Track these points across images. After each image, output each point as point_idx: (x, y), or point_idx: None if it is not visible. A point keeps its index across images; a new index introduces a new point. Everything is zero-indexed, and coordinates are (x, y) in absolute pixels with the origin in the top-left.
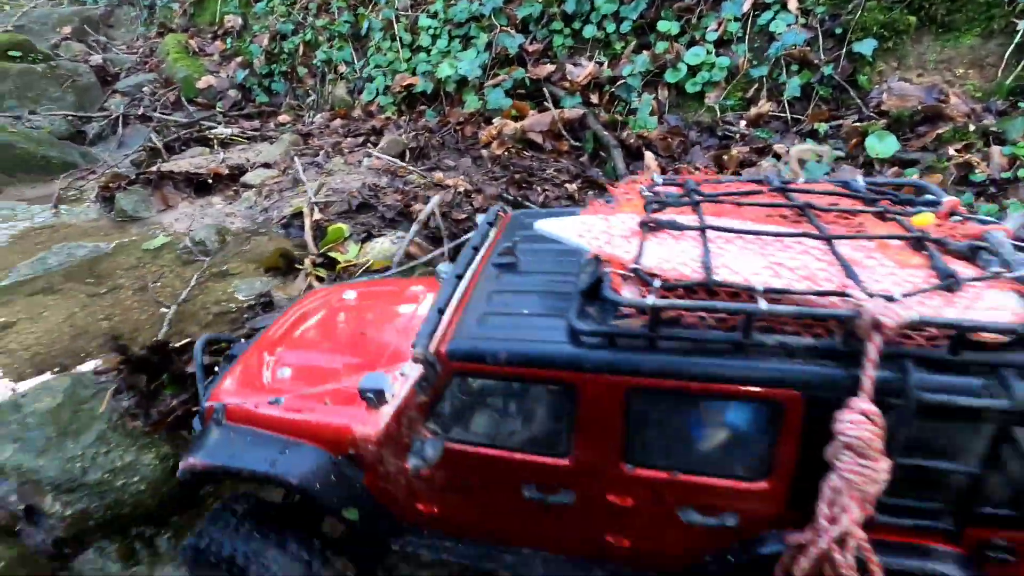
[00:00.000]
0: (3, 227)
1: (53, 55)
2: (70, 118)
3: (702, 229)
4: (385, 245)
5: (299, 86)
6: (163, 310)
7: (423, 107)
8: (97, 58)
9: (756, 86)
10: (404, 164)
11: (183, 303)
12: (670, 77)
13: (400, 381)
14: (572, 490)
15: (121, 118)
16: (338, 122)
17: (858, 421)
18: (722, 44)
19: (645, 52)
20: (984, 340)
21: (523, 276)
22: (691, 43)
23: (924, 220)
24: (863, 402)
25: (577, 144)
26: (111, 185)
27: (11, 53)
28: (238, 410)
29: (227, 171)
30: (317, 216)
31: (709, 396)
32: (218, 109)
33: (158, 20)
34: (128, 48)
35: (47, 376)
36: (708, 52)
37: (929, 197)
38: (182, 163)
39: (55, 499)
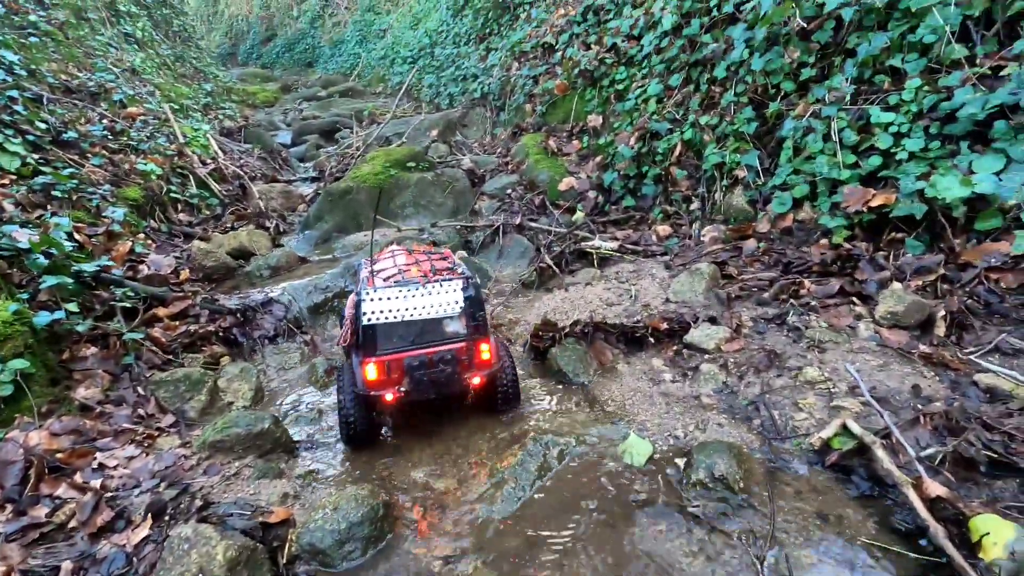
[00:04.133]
0: None
1: (435, 162)
2: (458, 228)
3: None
4: None
5: (674, 189)
6: None
7: (898, 234)
8: (467, 161)
9: None
10: (950, 351)
11: None
12: None
13: None
14: None
15: (501, 228)
16: (751, 243)
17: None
18: None
19: None
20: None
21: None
22: None
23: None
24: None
25: None
26: (542, 334)
27: (408, 164)
28: None
29: (665, 325)
30: (934, 490)
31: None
32: (579, 212)
33: (509, 120)
34: (479, 144)
35: None
36: None
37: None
38: (591, 297)
39: None
